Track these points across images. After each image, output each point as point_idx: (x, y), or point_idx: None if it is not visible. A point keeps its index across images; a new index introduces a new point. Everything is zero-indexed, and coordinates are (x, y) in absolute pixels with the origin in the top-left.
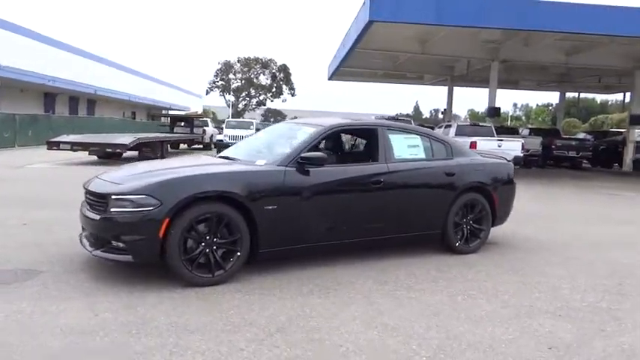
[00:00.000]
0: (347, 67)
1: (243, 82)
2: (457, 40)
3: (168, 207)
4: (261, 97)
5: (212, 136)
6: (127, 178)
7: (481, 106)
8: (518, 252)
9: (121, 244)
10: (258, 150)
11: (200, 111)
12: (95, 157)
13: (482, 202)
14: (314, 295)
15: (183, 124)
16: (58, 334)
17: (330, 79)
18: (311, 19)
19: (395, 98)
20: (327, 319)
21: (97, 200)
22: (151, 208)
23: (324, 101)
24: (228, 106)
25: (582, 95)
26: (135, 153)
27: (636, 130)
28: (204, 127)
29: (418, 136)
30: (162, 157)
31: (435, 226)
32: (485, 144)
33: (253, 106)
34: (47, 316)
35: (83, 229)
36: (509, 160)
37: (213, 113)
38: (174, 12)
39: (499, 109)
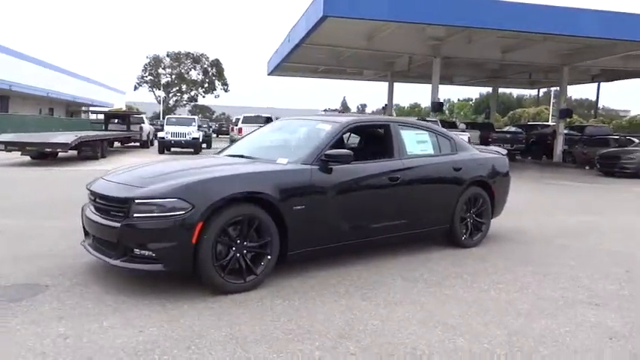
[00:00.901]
0: (290, 63)
1: (173, 77)
2: (403, 37)
3: (200, 210)
4: (193, 93)
5: (149, 133)
6: (147, 181)
7: (405, 101)
8: (512, 243)
9: (147, 253)
10: (272, 148)
11: (123, 107)
12: (28, 158)
13: (484, 196)
14: (354, 297)
15: (117, 120)
16: (123, 356)
17: (270, 74)
18: (245, 15)
19: (322, 93)
20: (382, 321)
21: (115, 205)
22: (182, 212)
23: (256, 97)
24: (159, 102)
25: (500, 91)
26: (73, 153)
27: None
28: (141, 125)
29: (426, 132)
30: (103, 156)
31: (444, 221)
32: None
33: (184, 102)
34: (95, 337)
35: (88, 236)
36: (504, 154)
37: (137, 110)
38: (99, 7)
39: (442, 103)
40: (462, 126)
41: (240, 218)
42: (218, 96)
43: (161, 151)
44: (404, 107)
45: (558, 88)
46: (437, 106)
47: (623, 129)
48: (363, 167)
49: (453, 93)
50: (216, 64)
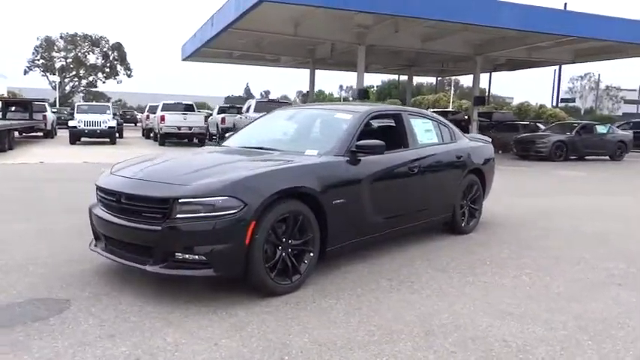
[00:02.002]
0: (209, 48)
1: (69, 61)
2: (329, 24)
3: (253, 208)
4: (91, 78)
5: (53, 122)
6: (186, 177)
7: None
8: (499, 228)
9: (194, 257)
10: (290, 139)
11: (4, 93)
12: None
13: (478, 183)
14: (401, 290)
15: (14, 108)
16: None
17: (185, 59)
18: None
19: (225, 80)
20: (450, 314)
21: (149, 206)
22: (235, 210)
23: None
24: (54, 88)
25: (401, 78)
26: None
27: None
28: (45, 113)
29: (430, 121)
30: (10, 148)
31: (448, 209)
32: None
33: (82, 88)
34: (170, 355)
35: (100, 240)
36: (489, 141)
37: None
38: None
39: (367, 90)
40: None
41: (287, 215)
42: (120, 82)
43: (72, 142)
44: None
45: (456, 77)
46: (362, 93)
47: (514, 114)
48: (387, 158)
49: (353, 80)
50: (118, 47)
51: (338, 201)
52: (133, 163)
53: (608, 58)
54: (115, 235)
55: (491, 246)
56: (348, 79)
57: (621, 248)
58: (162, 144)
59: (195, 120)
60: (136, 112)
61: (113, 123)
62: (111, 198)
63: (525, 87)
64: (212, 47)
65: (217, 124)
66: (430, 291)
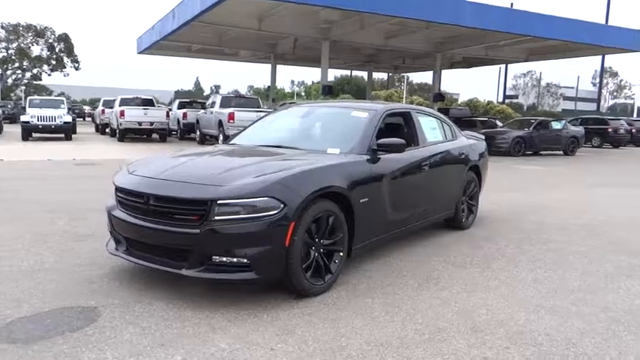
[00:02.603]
0: (167, 41)
1: (11, 52)
2: (294, 19)
3: (292, 209)
4: (36, 71)
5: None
6: (221, 177)
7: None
8: (495, 223)
9: (233, 260)
10: (305, 137)
11: None
12: None
13: (476, 179)
14: (430, 288)
15: None
16: None
17: (141, 52)
18: None
19: (173, 74)
20: (488, 310)
21: (185, 208)
22: (275, 212)
23: (109, 77)
24: None
25: (354, 74)
26: None
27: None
28: None
29: (434, 119)
30: None
31: (452, 205)
32: (246, 115)
33: (26, 81)
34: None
35: (130, 242)
36: (483, 138)
37: None
38: None
39: (332, 86)
40: None
41: (320, 215)
42: (67, 75)
43: (25, 137)
44: (260, 88)
45: (406, 73)
46: (327, 89)
47: None
48: (402, 156)
49: (306, 75)
50: (65, 39)
51: (364, 200)
52: (151, 162)
53: (559, 57)
54: (142, 239)
55: (496, 241)
56: (300, 74)
57: (613, 240)
58: (121, 140)
59: (157, 115)
60: (83, 107)
61: (69, 118)
62: (137, 200)
63: (468, 84)
64: (172, 40)
65: (179, 120)
66: (458, 287)
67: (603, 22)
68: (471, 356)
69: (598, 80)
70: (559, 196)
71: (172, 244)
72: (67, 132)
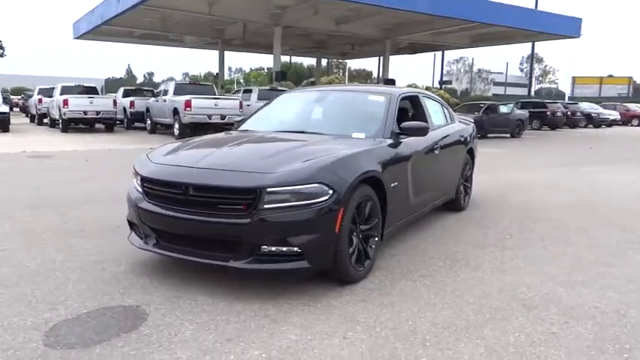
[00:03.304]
0: (109, 26)
1: None
2: (245, 3)
3: (341, 195)
4: None
5: None
6: (264, 164)
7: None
8: (486, 203)
9: (284, 249)
10: (324, 121)
11: None
12: None
13: (470, 162)
14: (462, 269)
15: None
16: None
17: (78, 37)
18: None
19: (103, 61)
20: (528, 288)
21: (231, 197)
22: (325, 198)
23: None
24: None
25: (293, 60)
26: None
27: None
28: None
29: (436, 102)
30: None
31: (453, 187)
32: (204, 102)
33: None
34: (323, 351)
35: (161, 235)
36: (472, 122)
37: None
38: None
39: (286, 73)
40: None
41: (361, 200)
42: None
43: None
44: (197, 75)
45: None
46: (281, 75)
47: None
48: (418, 139)
49: (244, 62)
50: None
51: (394, 184)
52: (176, 150)
53: (502, 43)
54: (180, 232)
55: (496, 221)
56: (238, 61)
57: (600, 216)
58: (65, 130)
59: (104, 104)
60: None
61: (5, 108)
62: (173, 190)
63: (402, 70)
64: (114, 25)
65: (125, 109)
66: (488, 267)
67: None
68: (539, 333)
69: (525, 66)
70: (527, 177)
71: (218, 236)
72: (3, 123)
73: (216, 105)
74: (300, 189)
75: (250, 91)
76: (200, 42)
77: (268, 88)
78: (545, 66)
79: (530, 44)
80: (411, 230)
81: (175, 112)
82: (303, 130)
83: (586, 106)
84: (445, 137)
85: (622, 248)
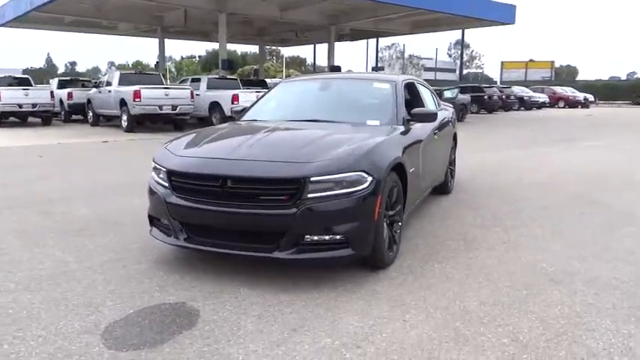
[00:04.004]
0: (40, 12)
1: None
2: None
3: (379, 182)
4: None
5: None
6: (301, 153)
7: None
8: (467, 185)
9: (326, 238)
10: (334, 109)
11: None
12: None
13: (454, 145)
14: (478, 249)
15: None
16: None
17: (4, 25)
18: None
19: (19, 49)
20: (549, 264)
21: (276, 187)
22: (366, 185)
23: None
24: None
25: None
26: None
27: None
28: None
29: (427, 88)
30: None
31: (443, 173)
32: (154, 93)
33: None
34: (394, 335)
35: (182, 231)
36: (450, 107)
37: None
38: None
39: (233, 61)
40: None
41: (391, 187)
42: None
43: None
44: (124, 64)
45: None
46: (227, 64)
47: None
48: (422, 125)
49: (174, 50)
50: None
51: (412, 169)
52: (199, 141)
53: (442, 29)
54: (218, 225)
55: (485, 203)
56: (167, 49)
57: (575, 194)
58: None
59: (40, 96)
60: None
61: None
62: (208, 183)
63: (337, 56)
64: (44, 12)
65: (62, 100)
66: (501, 247)
67: None
68: (578, 304)
69: (453, 52)
70: (490, 159)
71: (260, 227)
72: None
73: (166, 95)
74: (342, 177)
75: (199, 80)
76: (136, 29)
77: (217, 77)
78: (472, 51)
79: (457, 30)
80: (413, 214)
81: (122, 103)
82: (317, 119)
83: (518, 90)
84: (441, 122)
85: (610, 223)
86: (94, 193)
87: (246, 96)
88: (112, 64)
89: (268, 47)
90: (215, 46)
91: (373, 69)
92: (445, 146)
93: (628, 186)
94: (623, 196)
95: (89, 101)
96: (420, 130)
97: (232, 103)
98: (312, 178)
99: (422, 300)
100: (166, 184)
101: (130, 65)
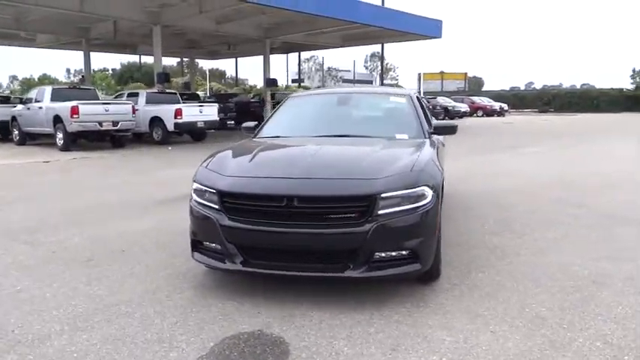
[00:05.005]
0: None
1: None
2: (120, 1)
3: (438, 196)
4: None
5: None
6: (361, 170)
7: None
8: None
9: (393, 254)
10: (358, 124)
11: None
12: None
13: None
14: (506, 258)
15: None
16: None
17: None
18: None
19: None
20: (577, 265)
21: (345, 206)
22: (429, 200)
23: None
24: None
25: (143, 60)
26: None
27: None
28: None
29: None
30: None
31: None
32: (93, 108)
33: None
34: (495, 346)
35: (237, 256)
36: None
37: None
38: None
39: (169, 74)
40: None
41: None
42: None
43: None
44: (28, 77)
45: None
46: (163, 77)
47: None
48: (437, 137)
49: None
50: None
51: (443, 181)
52: (247, 161)
53: (372, 42)
54: (284, 246)
55: (479, 209)
56: (78, 62)
57: (554, 198)
58: None
59: None
60: None
61: None
62: (270, 204)
63: (256, 69)
64: None
65: None
66: (527, 253)
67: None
68: (635, 304)
69: (369, 64)
70: (454, 166)
71: (332, 247)
72: None
73: (107, 110)
74: (409, 192)
75: (136, 94)
76: (57, 41)
77: (157, 91)
78: (387, 64)
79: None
80: None
81: (57, 120)
82: (347, 134)
83: (441, 101)
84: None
85: (605, 224)
86: (74, 219)
87: (190, 110)
88: (14, 77)
89: (186, 60)
90: (131, 58)
91: (293, 81)
92: (443, 155)
93: (596, 189)
94: (598, 199)
95: (14, 119)
96: (437, 141)
97: (175, 118)
98: (382, 195)
99: (493, 310)
100: (217, 207)
101: (37, 79)
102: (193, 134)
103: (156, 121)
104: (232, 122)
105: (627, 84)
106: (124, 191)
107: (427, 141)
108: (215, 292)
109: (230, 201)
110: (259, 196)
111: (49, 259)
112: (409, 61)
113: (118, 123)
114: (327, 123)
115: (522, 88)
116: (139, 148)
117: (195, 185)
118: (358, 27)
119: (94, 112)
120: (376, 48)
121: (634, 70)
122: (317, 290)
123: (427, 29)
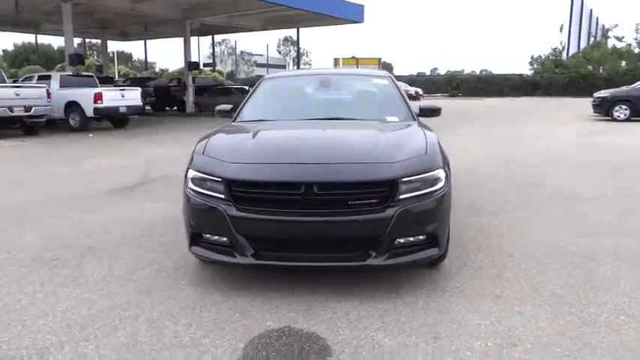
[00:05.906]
0: None
1: None
2: None
3: (449, 179)
4: None
5: None
6: (376, 153)
7: None
8: None
9: (411, 239)
10: (344, 106)
11: None
12: None
13: None
14: (512, 238)
15: None
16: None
17: None
18: None
19: None
20: (571, 244)
21: (367, 191)
22: (444, 182)
23: None
24: None
25: (40, 41)
26: None
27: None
28: None
29: None
30: None
31: None
32: (2, 92)
33: None
34: (531, 328)
35: (259, 243)
36: None
37: None
38: None
39: (82, 56)
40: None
41: None
42: None
43: None
44: None
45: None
46: (77, 59)
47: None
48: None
49: None
50: None
51: None
52: (249, 146)
53: (291, 26)
54: (303, 236)
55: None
56: None
57: (529, 183)
58: None
59: None
60: None
61: None
62: (286, 191)
63: (169, 52)
64: None
65: None
66: (511, 234)
67: None
68: (627, 269)
69: (282, 48)
70: None
71: (355, 235)
72: None
73: (17, 95)
74: (427, 176)
75: (48, 77)
76: None
77: (71, 73)
78: (301, 49)
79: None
80: None
81: (73, 106)
82: (337, 117)
83: None
84: None
85: (565, 203)
86: (15, 216)
87: (111, 94)
88: None
89: (88, 41)
90: (26, 38)
91: (205, 65)
92: None
93: (537, 167)
94: (548, 179)
95: None
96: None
97: (95, 103)
98: (403, 179)
99: (509, 290)
100: (222, 196)
101: None
102: (114, 120)
103: (72, 107)
104: (149, 108)
105: (525, 70)
106: (62, 183)
107: (415, 123)
108: (217, 288)
109: (239, 189)
110: (273, 184)
111: (5, 261)
112: (322, 46)
113: (31, 108)
114: (312, 106)
115: (427, 73)
116: (53, 136)
117: (193, 173)
118: (282, 10)
119: (3, 97)
120: (290, 32)
121: (532, 57)
122: (325, 280)
123: (349, 13)
